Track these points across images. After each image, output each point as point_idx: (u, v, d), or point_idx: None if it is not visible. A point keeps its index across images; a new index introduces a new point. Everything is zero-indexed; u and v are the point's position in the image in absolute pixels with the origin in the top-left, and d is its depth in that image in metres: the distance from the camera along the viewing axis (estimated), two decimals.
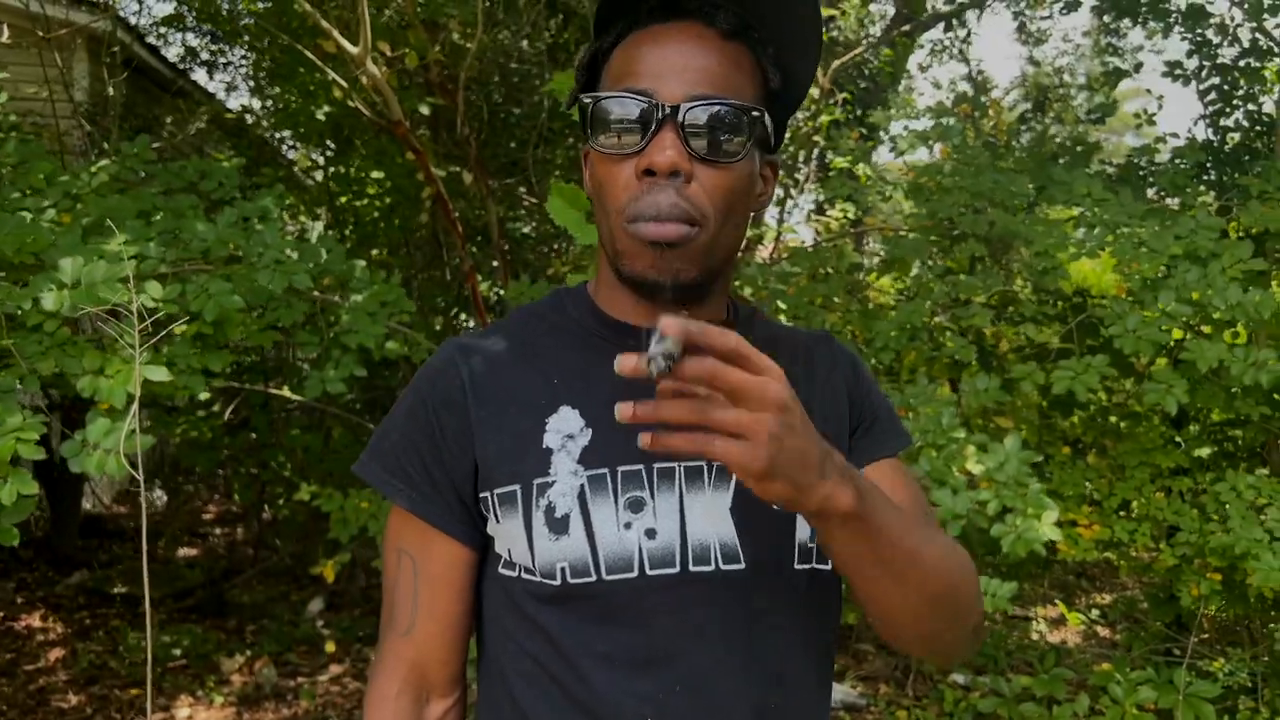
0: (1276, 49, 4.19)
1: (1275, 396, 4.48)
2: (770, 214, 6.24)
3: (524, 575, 1.08)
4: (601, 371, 1.09)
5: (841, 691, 4.68)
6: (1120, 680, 3.99)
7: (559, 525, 1.05)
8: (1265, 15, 3.79)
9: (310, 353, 3.35)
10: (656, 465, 1.08)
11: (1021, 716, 4.14)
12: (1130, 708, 3.90)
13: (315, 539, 5.78)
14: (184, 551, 7.09)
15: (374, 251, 6.16)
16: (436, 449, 1.10)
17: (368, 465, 1.15)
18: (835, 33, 8.49)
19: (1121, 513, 4.17)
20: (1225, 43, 4.34)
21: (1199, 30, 4.22)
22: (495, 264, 5.34)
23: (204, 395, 5.38)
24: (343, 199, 5.96)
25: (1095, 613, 5.79)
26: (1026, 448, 3.17)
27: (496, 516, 1.09)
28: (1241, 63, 4.28)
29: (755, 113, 1.04)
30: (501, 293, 5.06)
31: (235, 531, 7.56)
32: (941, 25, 10.00)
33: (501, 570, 1.11)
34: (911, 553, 0.97)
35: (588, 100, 1.07)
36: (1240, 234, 3.86)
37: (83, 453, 2.12)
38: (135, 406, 2.02)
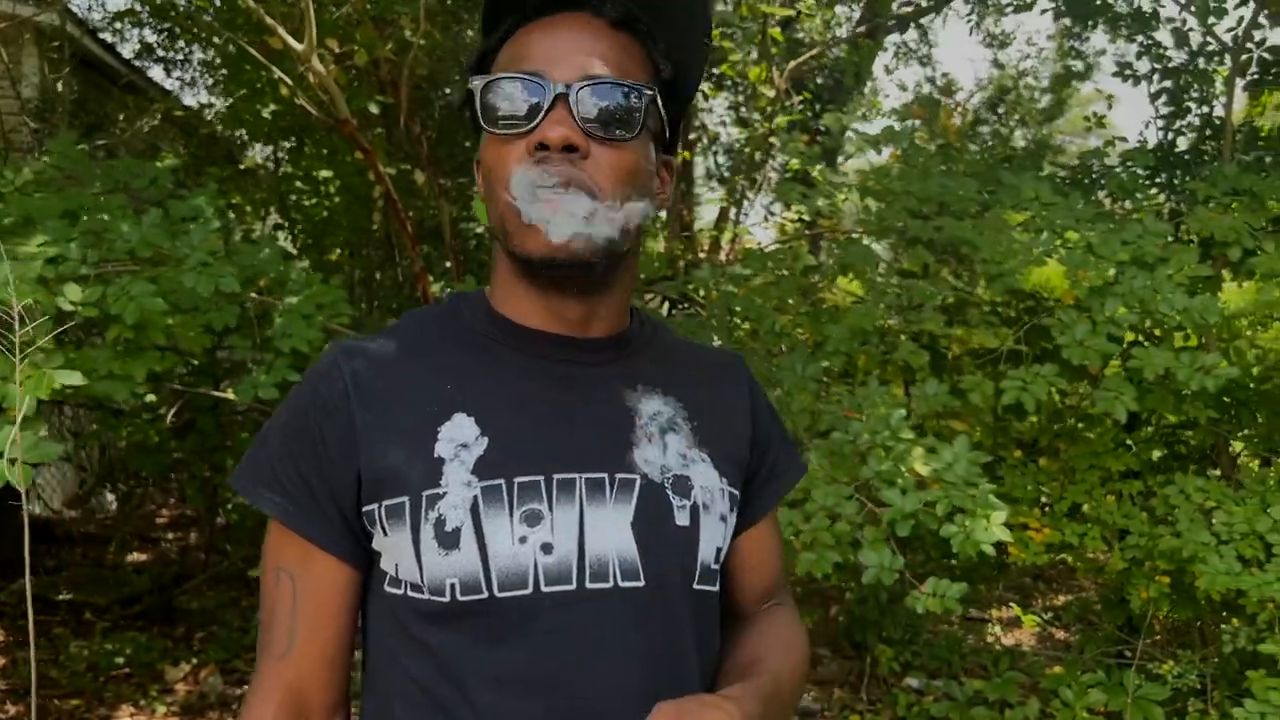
0: (1225, 52, 4.20)
1: (1224, 400, 4.51)
2: (725, 213, 6.22)
3: (410, 593, 1.03)
4: (498, 377, 1.07)
5: None
6: (1071, 684, 3.99)
7: (449, 539, 1.00)
8: (1212, 19, 3.79)
9: (242, 356, 3.27)
10: (556, 477, 1.03)
11: None
12: (1080, 711, 3.90)
13: None
14: (135, 557, 6.96)
15: (329, 255, 6.07)
16: (316, 459, 1.03)
17: (241, 478, 1.08)
18: (800, 34, 8.49)
19: (1073, 516, 4.17)
20: (1176, 46, 4.33)
21: (1148, 33, 4.21)
22: (448, 264, 5.27)
23: (150, 398, 5.29)
24: (293, 198, 5.86)
25: (1050, 615, 5.80)
26: (978, 449, 3.16)
27: (384, 529, 1.03)
28: (1190, 66, 4.28)
29: (649, 90, 1.03)
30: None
31: (188, 536, 7.44)
32: (907, 27, 10.03)
33: (387, 588, 1.05)
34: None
35: (478, 83, 1.04)
36: (1189, 239, 3.86)
37: None
38: (18, 420, 1.94)
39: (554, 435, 1.04)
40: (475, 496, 1.00)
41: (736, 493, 1.16)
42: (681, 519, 1.07)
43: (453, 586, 1.00)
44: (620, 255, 1.05)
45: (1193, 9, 3.85)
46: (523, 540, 1.00)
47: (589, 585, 1.01)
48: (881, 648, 4.82)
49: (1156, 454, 4.42)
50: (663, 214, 5.91)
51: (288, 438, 1.06)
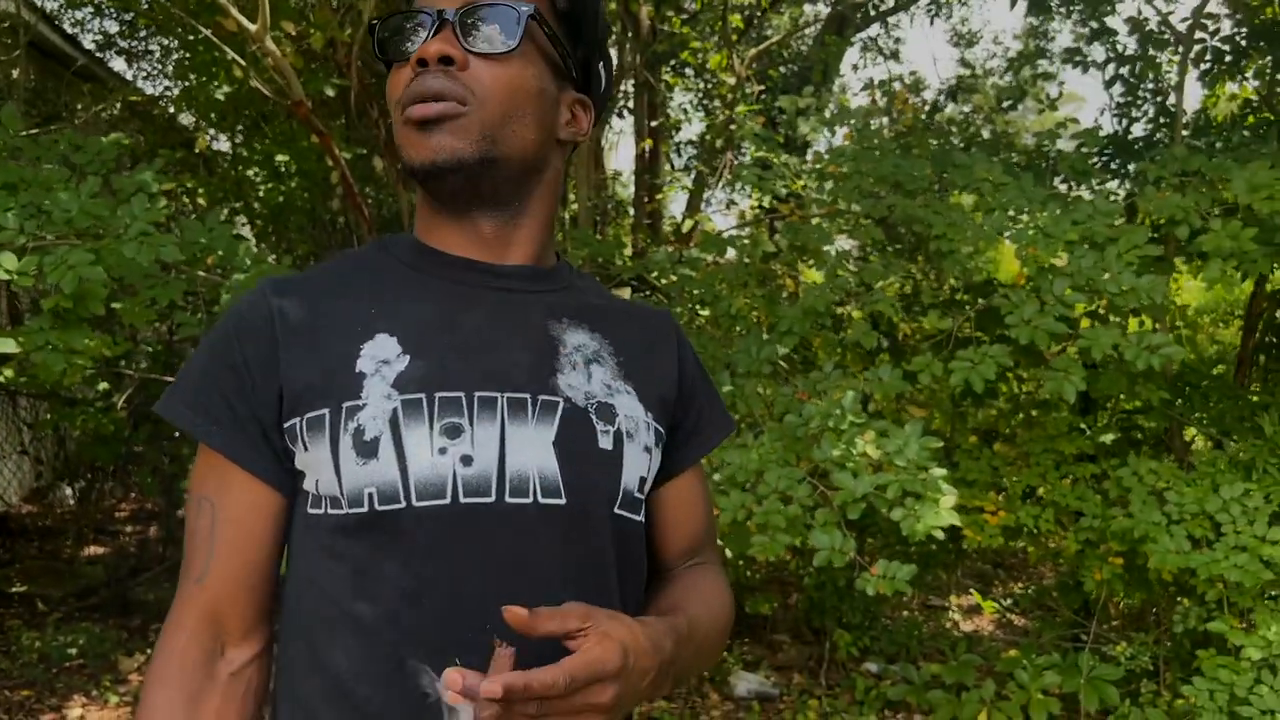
0: (1177, 41, 4.24)
1: (1178, 385, 4.55)
2: (691, 202, 6.22)
3: (330, 510, 1.02)
4: (421, 301, 1.08)
5: (755, 681, 4.65)
6: (1026, 665, 4.02)
7: (368, 449, 0.99)
8: (1167, 7, 3.82)
9: (190, 333, 3.23)
10: (478, 394, 1.03)
11: (929, 703, 4.15)
12: (1035, 693, 3.93)
13: None
14: (93, 550, 6.86)
15: (284, 240, 6.02)
16: (239, 380, 1.04)
17: (167, 402, 1.08)
18: (769, 31, 8.52)
19: (1028, 499, 4.20)
20: (1129, 33, 4.37)
21: (1101, 19, 4.25)
22: None
23: (101, 386, 5.23)
24: (249, 184, 5.81)
25: (1010, 602, 5.83)
26: (930, 434, 3.16)
27: (304, 444, 1.02)
28: (1143, 53, 4.32)
29: (527, 8, 1.05)
30: None
31: (148, 530, 7.35)
32: (874, 25, 10.07)
33: (309, 509, 1.05)
34: (706, 655, 1.14)
35: (374, 22, 1.09)
36: (1142, 221, 3.89)
37: None
38: None
39: (477, 356, 1.05)
40: (395, 409, 1.00)
41: (662, 430, 1.16)
42: (605, 443, 1.07)
43: (370, 496, 0.99)
44: (505, 165, 1.07)
45: None
46: (442, 451, 1.00)
47: (509, 499, 1.01)
48: (840, 633, 4.83)
49: (1110, 438, 4.46)
50: (630, 210, 5.91)
51: (211, 360, 1.06)
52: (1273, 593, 3.63)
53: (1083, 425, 4.39)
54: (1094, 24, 4.28)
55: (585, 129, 1.17)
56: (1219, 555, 3.44)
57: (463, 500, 0.99)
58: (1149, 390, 3.98)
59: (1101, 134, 4.37)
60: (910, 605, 5.60)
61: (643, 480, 1.11)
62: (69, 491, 7.79)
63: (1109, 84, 4.46)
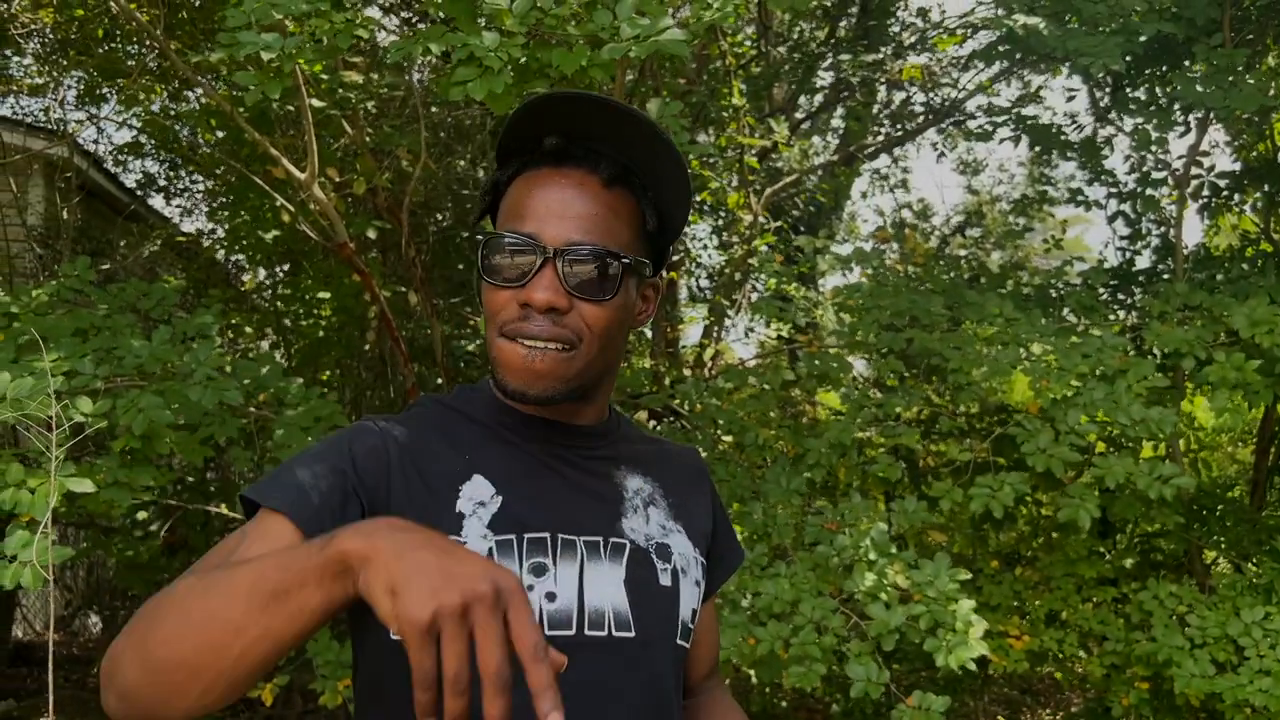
0: (1173, 177, 4.46)
1: (1194, 508, 4.63)
2: (708, 331, 6.42)
3: None
4: (509, 452, 1.22)
5: None
6: None
7: None
8: (1158, 150, 4.05)
9: (244, 468, 3.37)
10: (560, 536, 1.16)
11: None
12: None
13: None
14: None
15: (323, 374, 6.22)
16: (344, 481, 1.08)
17: (258, 488, 1.08)
18: (779, 164, 8.86)
19: (1051, 623, 4.24)
20: (1128, 172, 4.60)
21: (1097, 161, 4.49)
22: (440, 381, 5.43)
23: (141, 515, 5.36)
24: (289, 319, 6.05)
25: None
26: (957, 563, 3.27)
27: None
28: (1140, 191, 4.54)
29: (626, 260, 1.15)
30: None
31: None
32: (882, 156, 10.47)
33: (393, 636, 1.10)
34: None
35: (481, 239, 1.19)
36: (1149, 352, 4.04)
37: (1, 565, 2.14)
38: (49, 515, 2.05)
39: (557, 502, 1.19)
40: (490, 548, 1.13)
41: (705, 563, 1.31)
42: (664, 580, 1.22)
43: None
44: (592, 386, 1.20)
45: (1134, 137, 4.12)
46: (530, 589, 1.12)
47: (588, 632, 1.14)
48: None
49: (1130, 561, 4.52)
50: (647, 332, 6.12)
51: (321, 465, 1.10)
52: None
53: (1102, 549, 4.46)
54: (1092, 169, 4.52)
55: (655, 307, 1.31)
56: (1244, 679, 3.48)
57: (548, 633, 1.11)
58: (1165, 515, 4.07)
59: (1106, 267, 4.56)
60: None
61: (694, 612, 1.26)
62: (94, 620, 7.84)
63: (1111, 220, 4.67)
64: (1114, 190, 4.76)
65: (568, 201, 1.14)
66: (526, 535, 1.15)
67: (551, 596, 1.13)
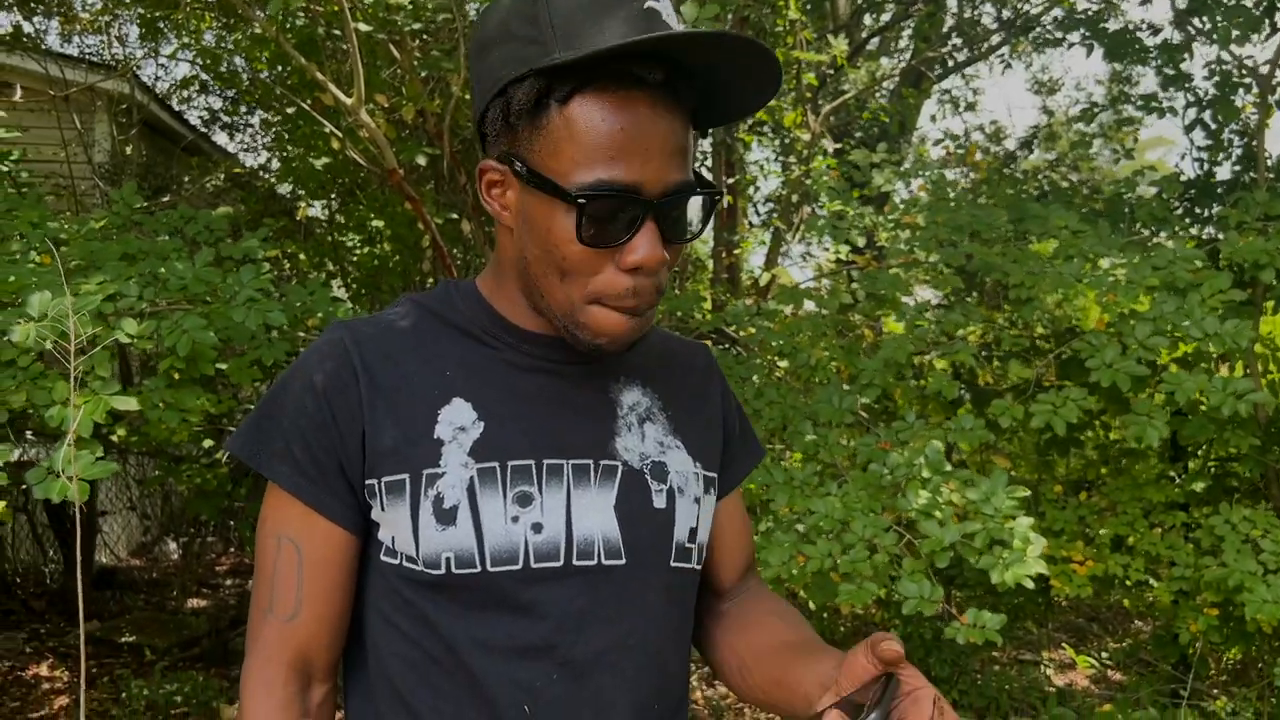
0: (1254, 80, 4.21)
1: (1273, 430, 4.44)
2: (769, 256, 6.30)
3: (405, 563, 1.09)
4: (493, 368, 1.14)
5: None
6: None
7: (446, 516, 1.06)
8: (1233, 44, 3.81)
9: None
10: (546, 461, 1.10)
11: None
12: None
13: None
14: (195, 602, 7.12)
15: (380, 302, 6.27)
16: (327, 435, 1.09)
17: (249, 446, 1.13)
18: (846, 87, 8.61)
19: (1117, 549, 4.13)
20: (1207, 77, 4.35)
21: (1175, 65, 4.24)
22: None
23: (207, 443, 5.48)
24: (346, 249, 6.08)
25: (1105, 657, 5.68)
26: (1016, 483, 3.16)
27: (382, 504, 1.09)
28: (1220, 96, 4.30)
29: (717, 195, 1.08)
30: None
31: (247, 583, 7.60)
32: (952, 76, 10.11)
33: (383, 557, 1.12)
34: None
35: (581, 200, 0.99)
36: (1225, 266, 3.85)
37: (46, 480, 2.17)
38: (72, 427, 2.07)
39: (544, 424, 1.12)
40: (472, 477, 1.08)
41: (711, 475, 1.24)
42: (659, 501, 1.15)
43: (448, 560, 1.07)
44: None
45: (1213, 36, 3.87)
46: (515, 519, 1.08)
47: (575, 562, 1.09)
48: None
49: (1202, 486, 4.36)
50: (706, 259, 6.02)
51: (299, 413, 1.10)
52: None
53: (1172, 473, 4.31)
54: (1170, 70, 4.28)
55: None
56: None
57: (534, 565, 1.08)
58: (1239, 437, 3.91)
59: (1183, 179, 4.34)
60: (1000, 659, 5.49)
61: (692, 530, 1.19)
62: (173, 546, 8.12)
63: (1189, 129, 4.44)
64: (1193, 99, 4.52)
65: (659, 135, 1.00)
66: (510, 463, 1.09)
67: (538, 527, 1.08)
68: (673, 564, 1.16)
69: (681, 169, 1.02)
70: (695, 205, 1.04)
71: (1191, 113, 4.58)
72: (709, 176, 1.00)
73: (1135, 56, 4.42)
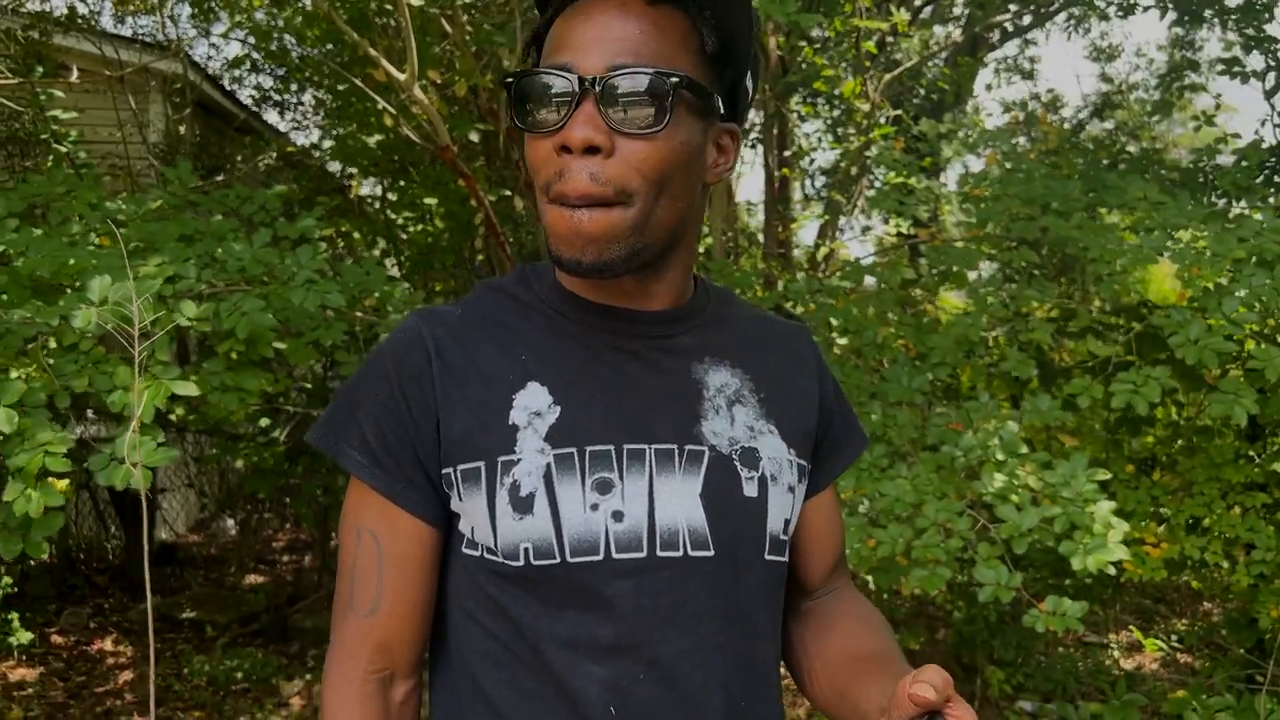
0: None
1: None
2: (823, 230, 6.18)
3: (486, 555, 1.05)
4: (569, 349, 1.08)
5: None
6: (1196, 707, 3.81)
7: (523, 504, 1.01)
8: None
9: (349, 371, 3.37)
10: (626, 446, 1.04)
11: None
12: None
13: None
14: (253, 578, 7.20)
15: (434, 281, 6.25)
16: (402, 424, 1.05)
17: (327, 438, 1.09)
18: (899, 55, 8.43)
19: (1192, 531, 3.99)
20: None
21: (1256, 26, 4.05)
22: None
23: (264, 421, 5.50)
24: (399, 226, 6.06)
25: (1174, 639, 5.54)
26: (1092, 465, 3.05)
27: (459, 494, 1.04)
28: None
29: (676, 78, 0.97)
30: None
31: (303, 559, 7.67)
32: (1009, 43, 9.84)
33: (465, 550, 1.08)
34: None
35: (510, 79, 1.02)
36: None
37: (110, 466, 2.15)
38: (137, 415, 2.04)
39: (624, 406, 1.06)
40: (549, 464, 1.02)
41: (805, 464, 1.16)
42: (749, 490, 1.08)
43: (526, 551, 1.01)
44: (652, 246, 1.03)
45: None
46: (594, 507, 1.02)
47: (660, 553, 1.03)
48: (993, 670, 4.67)
49: None
50: (759, 233, 5.92)
51: (374, 403, 1.07)
52: None
53: (1251, 452, 4.16)
54: (1250, 32, 4.09)
55: (734, 159, 1.12)
56: None
57: (615, 556, 1.01)
58: None
59: (1264, 146, 4.16)
60: (1066, 642, 5.38)
61: (787, 522, 1.12)
62: (230, 523, 8.21)
63: (1270, 94, 4.24)
64: (1274, 62, 4.32)
65: (605, 25, 0.98)
66: (589, 448, 1.03)
67: (619, 516, 1.02)
68: (767, 557, 1.09)
69: (631, 54, 0.97)
70: (654, 93, 0.96)
71: (1272, 77, 4.38)
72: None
73: (1215, 13, 4.23)
